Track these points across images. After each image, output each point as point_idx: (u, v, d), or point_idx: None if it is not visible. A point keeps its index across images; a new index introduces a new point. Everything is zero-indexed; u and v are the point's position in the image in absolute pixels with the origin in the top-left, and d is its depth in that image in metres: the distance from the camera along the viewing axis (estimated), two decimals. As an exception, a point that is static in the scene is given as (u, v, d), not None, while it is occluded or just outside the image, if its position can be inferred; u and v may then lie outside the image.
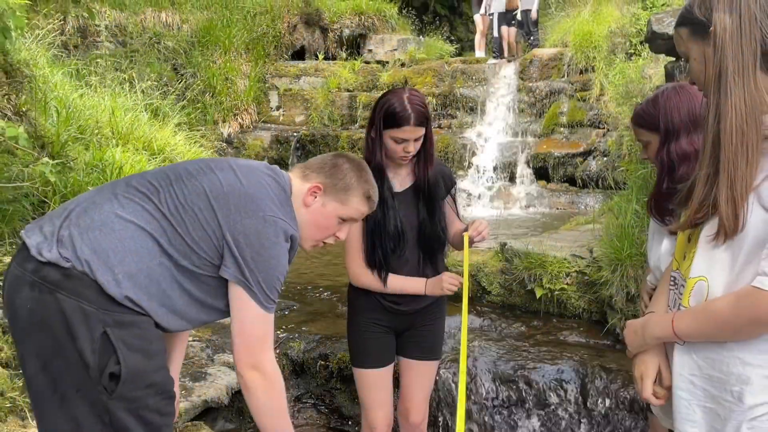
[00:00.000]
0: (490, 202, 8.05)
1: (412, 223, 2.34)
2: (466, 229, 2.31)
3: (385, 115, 2.19)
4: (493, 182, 8.24)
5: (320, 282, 4.45)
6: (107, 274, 1.48)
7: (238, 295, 1.59)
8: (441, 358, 2.57)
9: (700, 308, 1.29)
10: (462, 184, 7.99)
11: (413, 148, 2.23)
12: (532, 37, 9.65)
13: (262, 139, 9.32)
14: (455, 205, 2.49)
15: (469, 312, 3.69)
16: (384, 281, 2.30)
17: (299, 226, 1.69)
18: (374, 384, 2.40)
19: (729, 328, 1.22)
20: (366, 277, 2.31)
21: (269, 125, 9.64)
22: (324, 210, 1.75)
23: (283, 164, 9.00)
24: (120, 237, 1.51)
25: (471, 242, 2.30)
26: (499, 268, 3.87)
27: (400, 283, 2.32)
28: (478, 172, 8.31)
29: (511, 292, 3.80)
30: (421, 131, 2.23)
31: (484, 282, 3.90)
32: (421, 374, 2.47)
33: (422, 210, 2.35)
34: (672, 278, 1.43)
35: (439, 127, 9.09)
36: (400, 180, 2.34)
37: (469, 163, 8.43)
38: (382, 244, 2.29)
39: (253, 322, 1.60)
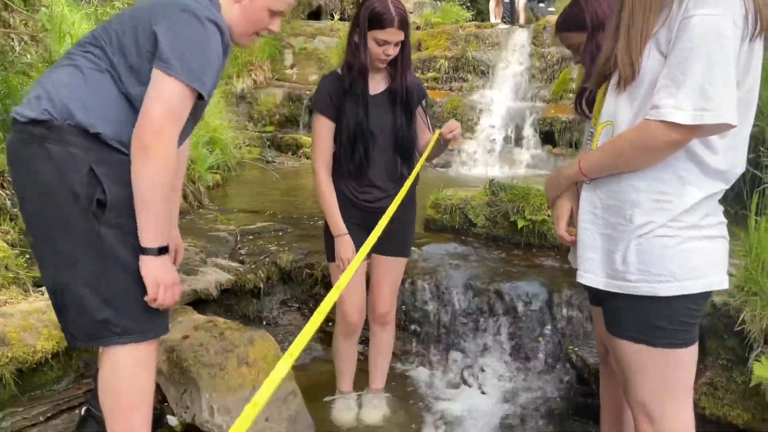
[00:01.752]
0: (496, 163, 8.15)
1: (387, 126, 2.47)
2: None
3: (370, 17, 2.33)
4: (499, 145, 8.33)
5: (316, 212, 4.63)
6: (84, 117, 1.65)
7: (158, 77, 1.61)
8: (409, 257, 2.72)
9: (600, 146, 1.45)
10: (468, 145, 8.12)
11: (393, 51, 2.37)
12: (542, 4, 9.67)
13: (274, 96, 9.48)
14: (426, 116, 2.61)
15: (454, 242, 3.87)
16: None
17: (233, 23, 1.77)
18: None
19: (624, 159, 1.39)
20: (325, 184, 2.46)
21: (282, 83, 9.80)
22: (254, 4, 1.78)
23: (294, 122, 9.23)
24: (86, 83, 1.68)
25: (444, 140, 2.43)
26: (486, 201, 4.01)
27: (330, 209, 2.46)
28: (485, 134, 8.40)
29: (496, 224, 3.95)
30: (402, 35, 2.37)
31: (470, 215, 4.04)
32: (389, 269, 2.64)
33: (399, 114, 2.49)
34: (589, 134, 1.59)
35: (450, 89, 9.18)
36: (375, 84, 2.47)
37: (476, 125, 8.52)
38: (365, 141, 2.43)
39: (170, 91, 1.60)
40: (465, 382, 2.94)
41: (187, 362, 2.37)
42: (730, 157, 1.41)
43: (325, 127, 2.46)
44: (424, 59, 9.75)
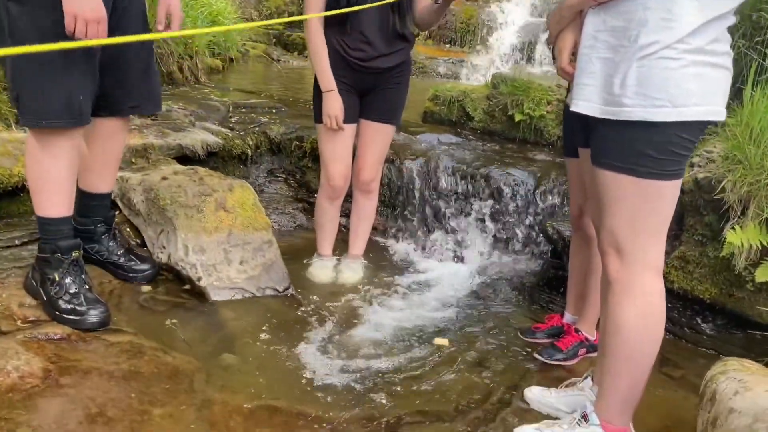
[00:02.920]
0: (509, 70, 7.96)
1: None
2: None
3: None
4: (512, 61, 8.11)
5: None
6: None
7: None
8: (398, 125, 2.67)
9: None
10: (479, 59, 7.91)
11: None
12: None
13: (285, -8, 9.16)
14: None
15: (450, 134, 3.81)
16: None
17: None
18: (334, 138, 2.53)
19: None
20: (316, 36, 2.38)
21: (294, -20, 9.44)
22: None
23: (302, 21, 8.95)
24: None
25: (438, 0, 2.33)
26: (485, 94, 3.92)
27: (320, 62, 2.39)
28: (497, 48, 8.17)
29: (493, 118, 3.87)
30: None
31: (468, 108, 3.96)
32: (377, 135, 2.59)
33: None
34: None
35: None
36: None
37: (489, 37, 8.28)
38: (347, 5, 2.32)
39: None
40: (443, 256, 2.95)
41: (164, 201, 2.37)
42: None
43: None
44: (442, -34, 9.36)
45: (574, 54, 1.55)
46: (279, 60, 7.66)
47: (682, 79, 1.34)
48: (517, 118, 3.72)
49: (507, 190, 3.01)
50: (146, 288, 2.26)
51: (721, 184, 1.96)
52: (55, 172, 1.90)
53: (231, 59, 5.98)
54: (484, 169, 3.11)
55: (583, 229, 2.00)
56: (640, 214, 1.44)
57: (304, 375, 1.90)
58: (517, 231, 2.89)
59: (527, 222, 2.92)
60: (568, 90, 1.68)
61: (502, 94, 3.80)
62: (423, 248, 3.02)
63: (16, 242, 2.26)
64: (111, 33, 1.84)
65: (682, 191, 2.15)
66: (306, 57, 8.03)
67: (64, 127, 1.85)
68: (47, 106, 1.81)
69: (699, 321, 2.22)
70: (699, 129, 1.41)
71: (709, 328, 2.21)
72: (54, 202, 1.93)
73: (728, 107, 1.45)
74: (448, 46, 8.72)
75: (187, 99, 3.71)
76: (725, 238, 1.93)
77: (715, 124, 1.96)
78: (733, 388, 1.32)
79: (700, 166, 2.18)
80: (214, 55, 5.48)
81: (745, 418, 1.19)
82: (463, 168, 3.12)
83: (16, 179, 2.26)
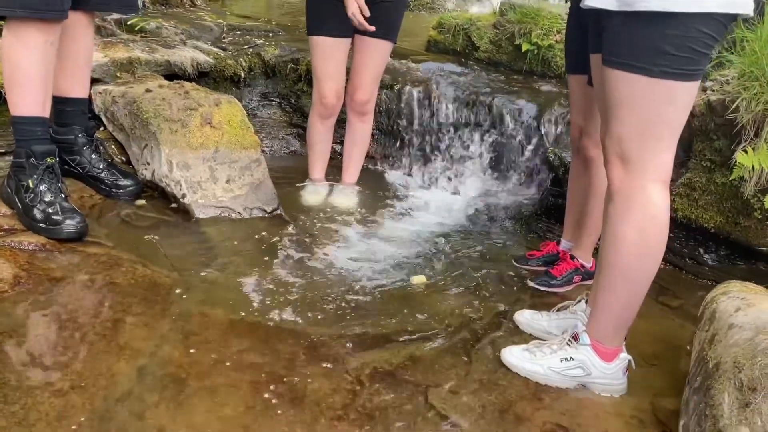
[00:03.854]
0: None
1: None
2: None
3: None
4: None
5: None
6: None
7: None
8: (395, 42, 2.52)
9: None
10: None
11: None
12: None
13: None
14: None
15: (454, 63, 3.64)
16: None
17: None
18: (327, 53, 2.41)
19: None
20: None
21: None
22: None
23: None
24: None
25: None
26: (492, 22, 3.74)
27: None
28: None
29: (500, 48, 3.70)
30: None
31: (474, 37, 3.78)
32: (374, 51, 2.46)
33: None
34: None
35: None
36: None
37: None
38: None
39: None
40: (440, 185, 2.86)
41: (147, 114, 2.26)
42: None
43: None
44: None
45: None
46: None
47: None
48: (525, 47, 3.54)
49: (509, 119, 2.88)
50: (140, 202, 2.20)
51: (735, 104, 1.84)
52: (29, 67, 1.83)
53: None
54: (486, 97, 2.98)
55: (583, 151, 1.89)
56: (650, 119, 1.32)
57: (287, 294, 1.83)
58: (518, 159, 2.78)
59: (528, 150, 2.81)
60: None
61: (510, 22, 3.61)
62: (420, 177, 2.92)
63: (-6, 150, 2.18)
64: None
65: (692, 114, 2.02)
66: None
67: (41, 18, 1.77)
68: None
69: (701, 252, 2.13)
70: (722, 24, 1.27)
71: (711, 259, 2.12)
72: (27, 100, 1.86)
73: (750, 20, 1.31)
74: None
75: (179, 18, 3.56)
76: (735, 161, 1.81)
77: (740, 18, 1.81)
78: (735, 305, 1.24)
79: (713, 90, 2.04)
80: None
81: (746, 332, 1.11)
82: (465, 96, 2.99)
83: (-9, 84, 2.15)
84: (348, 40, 2.43)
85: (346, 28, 2.37)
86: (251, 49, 3.27)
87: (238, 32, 3.62)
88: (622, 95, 1.33)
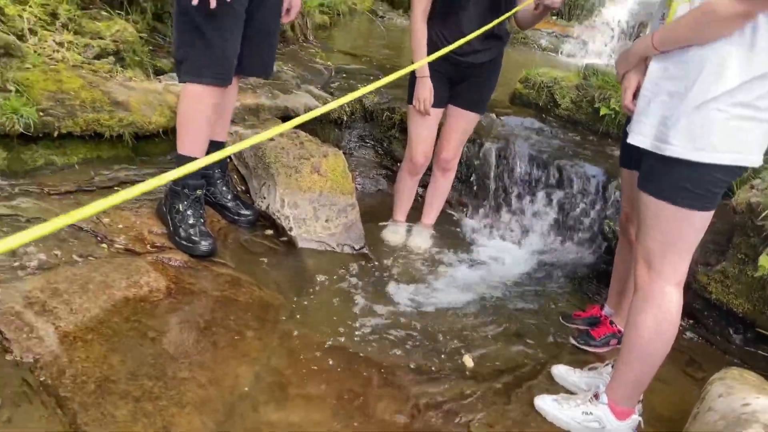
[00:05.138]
0: (607, 56, 7.83)
1: None
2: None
3: None
4: (616, 39, 7.95)
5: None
6: None
7: None
8: (482, 114, 2.90)
9: (673, 21, 1.56)
10: (585, 33, 7.80)
11: None
12: None
13: (398, -52, 9.26)
14: None
15: (535, 118, 3.98)
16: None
17: None
18: (421, 121, 2.79)
19: (695, 31, 1.51)
20: (418, 25, 2.62)
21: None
22: None
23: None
24: None
25: (542, 6, 2.48)
26: (575, 84, 4.04)
27: (418, 49, 2.63)
28: (606, 25, 8.00)
29: (579, 108, 4.00)
30: None
31: (557, 95, 4.10)
32: (462, 121, 2.84)
33: None
34: (661, 14, 1.69)
35: (581, -30, 8.65)
36: None
37: (600, 12, 8.11)
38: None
39: None
40: (506, 236, 3.22)
41: (269, 159, 2.76)
42: None
43: None
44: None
45: (636, 92, 1.75)
46: (383, 17, 7.89)
47: (725, 129, 1.53)
48: (603, 111, 3.83)
49: (576, 182, 3.20)
50: (269, 232, 2.69)
51: (766, 212, 2.11)
52: (199, 120, 2.33)
53: (338, 13, 6.28)
54: (559, 159, 3.30)
55: (628, 235, 2.21)
56: (671, 237, 1.66)
57: (363, 321, 2.27)
58: (580, 222, 3.10)
59: (591, 215, 3.12)
60: (628, 121, 1.88)
61: (591, 87, 3.92)
62: (490, 226, 3.29)
63: (147, 178, 2.73)
64: (253, 10, 2.26)
65: (734, 211, 2.30)
66: (409, 16, 8.21)
67: (214, 85, 2.27)
68: (204, 66, 2.22)
69: (731, 332, 2.40)
70: (734, 172, 1.60)
71: (738, 339, 2.38)
72: (193, 143, 2.36)
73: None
74: (554, 17, 8.61)
75: (295, 60, 4.08)
76: (760, 262, 2.09)
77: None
78: (719, 391, 1.55)
79: (758, 190, 2.31)
80: (323, 12, 5.82)
81: (715, 415, 1.43)
82: (539, 156, 3.33)
83: (153, 127, 2.70)
84: (441, 110, 2.82)
85: (441, 100, 2.75)
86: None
87: (344, 75, 4.11)
88: (651, 215, 1.68)
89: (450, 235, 3.17)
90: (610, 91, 3.82)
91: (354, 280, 2.54)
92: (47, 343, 1.71)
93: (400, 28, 7.32)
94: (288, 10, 2.43)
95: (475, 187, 3.44)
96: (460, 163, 3.41)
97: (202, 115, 2.32)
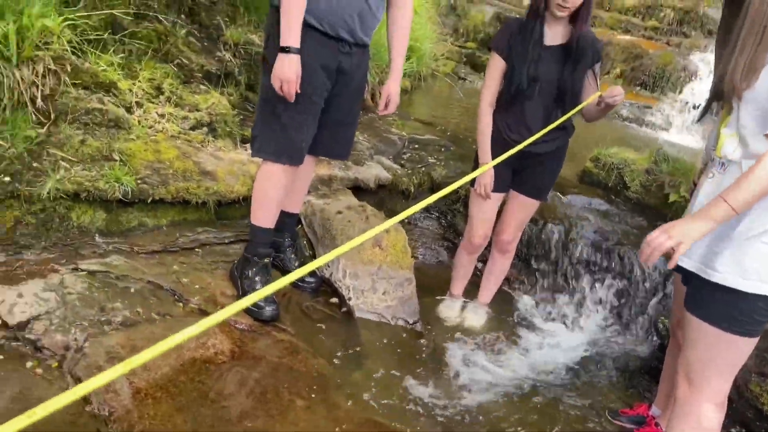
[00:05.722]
0: (689, 134, 7.69)
1: (552, 78, 2.64)
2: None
3: None
4: (696, 115, 7.80)
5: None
6: None
7: None
8: (544, 201, 2.98)
9: (744, 180, 1.55)
10: (664, 106, 7.73)
11: (571, 4, 2.53)
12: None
13: (484, 13, 9.58)
14: (596, 79, 2.70)
15: (602, 199, 4.00)
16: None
17: None
18: (483, 204, 2.88)
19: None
20: (483, 115, 2.75)
21: (497, 2, 9.82)
22: None
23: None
24: None
25: (605, 104, 2.56)
26: (645, 167, 4.05)
27: (481, 137, 2.75)
28: (686, 100, 7.88)
29: (649, 192, 4.00)
30: None
31: (627, 177, 4.12)
32: (523, 207, 2.92)
33: (568, 70, 2.65)
34: (713, 161, 1.75)
35: (668, 43, 8.61)
36: (553, 35, 2.64)
37: (682, 87, 8.01)
38: (529, 87, 2.65)
39: None
40: (562, 320, 3.24)
41: (336, 231, 2.96)
42: None
43: (497, 65, 2.72)
44: (648, 5, 9.15)
45: None
46: (465, 79, 8.12)
47: None
48: (672, 198, 3.82)
49: (638, 272, 3.20)
50: (334, 300, 2.86)
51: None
52: (273, 195, 2.55)
53: (420, 78, 6.53)
54: (622, 246, 3.32)
55: (677, 337, 2.22)
56: (715, 358, 1.69)
57: (410, 398, 2.37)
58: (637, 313, 3.09)
59: (649, 307, 3.10)
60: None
61: (662, 172, 3.92)
62: (546, 308, 3.33)
63: (226, 240, 2.99)
64: (332, 99, 2.47)
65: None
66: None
67: (287, 164, 2.49)
68: (278, 147, 2.46)
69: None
70: None
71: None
72: (265, 216, 2.59)
73: None
74: (638, 89, 8.55)
75: (371, 130, 4.32)
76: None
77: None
78: None
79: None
80: (404, 76, 6.09)
81: None
82: (602, 242, 3.36)
83: (234, 195, 2.97)
84: (502, 195, 2.93)
85: (502, 185, 2.84)
86: (423, 168, 3.92)
87: (416, 146, 4.30)
88: (696, 335, 1.71)
89: (505, 313, 3.23)
90: (680, 178, 3.81)
91: (405, 355, 2.65)
92: (122, 397, 1.93)
93: (479, 92, 7.48)
94: (386, 104, 2.62)
95: (534, 267, 3.50)
96: (520, 241, 3.49)
97: (272, 192, 2.54)
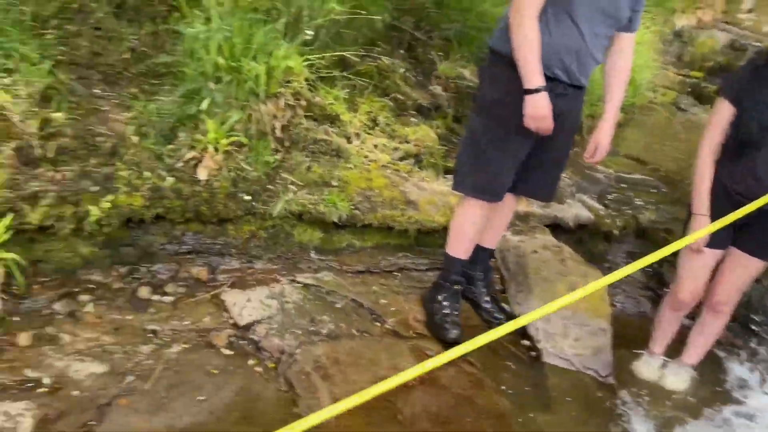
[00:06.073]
0: None
1: None
2: None
3: None
4: None
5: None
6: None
7: None
8: (768, 261, 2.66)
9: None
10: None
11: None
12: None
13: (715, 40, 8.75)
14: None
15: None
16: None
17: None
18: (694, 257, 2.67)
19: None
20: (705, 165, 2.55)
21: (731, 27, 8.92)
22: None
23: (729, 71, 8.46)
24: None
25: None
26: None
27: (699, 186, 2.54)
28: None
29: None
30: None
31: None
32: (743, 267, 2.65)
33: None
34: None
35: None
36: None
37: None
38: (759, 138, 2.41)
39: None
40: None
41: (530, 270, 2.96)
42: None
43: (723, 111, 2.52)
44: None
45: None
46: (686, 110, 7.50)
47: None
48: None
49: None
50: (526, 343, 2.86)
51: None
52: (469, 229, 2.66)
53: (634, 110, 6.19)
54: None
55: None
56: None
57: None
58: None
59: None
60: None
61: None
62: (760, 379, 2.95)
63: (423, 267, 3.15)
64: (542, 139, 2.46)
65: None
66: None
67: (485, 201, 2.57)
68: (478, 183, 2.55)
69: None
70: None
71: None
72: (461, 247, 2.70)
73: None
74: None
75: (575, 166, 4.22)
76: None
77: None
78: None
79: None
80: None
81: None
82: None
83: (434, 225, 3.11)
84: (721, 252, 2.67)
85: (720, 241, 2.58)
86: (630, 210, 3.73)
87: (624, 185, 4.10)
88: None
89: (711, 379, 2.94)
90: None
91: (593, 408, 2.55)
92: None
93: (701, 125, 6.87)
94: (595, 150, 2.58)
95: (752, 331, 3.13)
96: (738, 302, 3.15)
97: (468, 226, 2.64)
